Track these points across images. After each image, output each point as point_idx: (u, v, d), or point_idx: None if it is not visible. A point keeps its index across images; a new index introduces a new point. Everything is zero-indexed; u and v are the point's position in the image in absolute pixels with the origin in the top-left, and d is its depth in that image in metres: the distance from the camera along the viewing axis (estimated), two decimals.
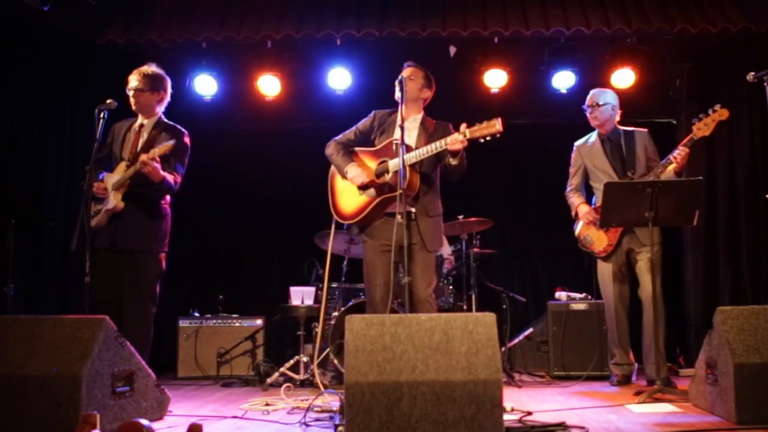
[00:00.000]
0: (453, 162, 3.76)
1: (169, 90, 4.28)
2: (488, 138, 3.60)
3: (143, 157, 3.91)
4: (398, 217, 3.56)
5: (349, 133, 4.11)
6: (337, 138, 4.11)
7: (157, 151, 3.93)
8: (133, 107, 4.16)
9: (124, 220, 4.01)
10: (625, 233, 4.52)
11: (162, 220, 4.16)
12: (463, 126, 3.67)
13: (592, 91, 4.70)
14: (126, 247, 4.02)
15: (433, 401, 2.60)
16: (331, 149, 4.07)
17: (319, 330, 4.27)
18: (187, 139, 4.23)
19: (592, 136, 4.72)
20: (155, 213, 4.13)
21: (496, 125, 3.57)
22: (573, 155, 4.80)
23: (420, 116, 4.03)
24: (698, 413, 3.38)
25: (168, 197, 4.21)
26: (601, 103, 4.60)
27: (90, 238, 3.74)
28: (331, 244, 4.18)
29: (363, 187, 3.93)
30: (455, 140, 3.65)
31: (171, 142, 3.94)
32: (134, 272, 4.02)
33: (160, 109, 4.24)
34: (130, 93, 4.14)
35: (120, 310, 3.93)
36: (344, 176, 3.98)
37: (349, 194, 3.99)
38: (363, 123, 4.12)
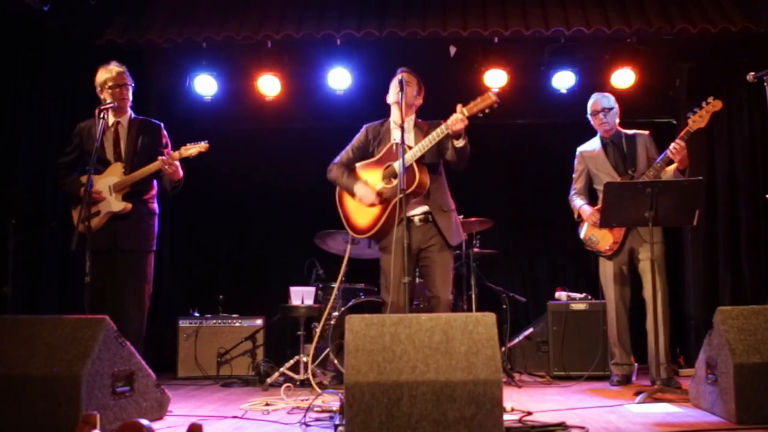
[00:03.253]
0: (458, 144, 3.75)
1: None
2: (487, 111, 3.63)
3: (168, 158, 4.03)
4: (416, 220, 3.58)
5: (346, 153, 4.11)
6: (336, 161, 4.11)
7: (185, 152, 4.06)
8: (116, 104, 4.12)
9: (125, 221, 4.07)
10: (630, 231, 4.52)
11: (155, 219, 4.27)
12: (459, 106, 3.68)
13: (595, 97, 4.69)
14: (128, 247, 4.09)
15: (433, 401, 2.60)
16: (334, 173, 4.07)
17: (317, 332, 4.26)
18: (165, 132, 4.34)
19: (595, 141, 4.73)
20: (150, 212, 4.24)
21: (491, 96, 3.61)
22: (576, 160, 4.80)
23: (413, 119, 4.04)
24: (698, 413, 3.38)
25: (155, 196, 4.29)
26: (608, 107, 4.61)
27: (89, 238, 3.75)
28: (348, 256, 4.19)
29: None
30: (456, 120, 3.66)
31: (205, 143, 4.07)
32: (134, 271, 4.11)
33: (130, 104, 4.30)
34: (116, 90, 4.15)
35: (118, 310, 3.97)
36: (353, 196, 3.98)
37: (360, 209, 3.98)
38: (357, 139, 4.12)
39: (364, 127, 4.13)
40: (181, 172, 4.14)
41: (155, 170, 4.08)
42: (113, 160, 4.15)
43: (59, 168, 4.27)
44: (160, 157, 4.07)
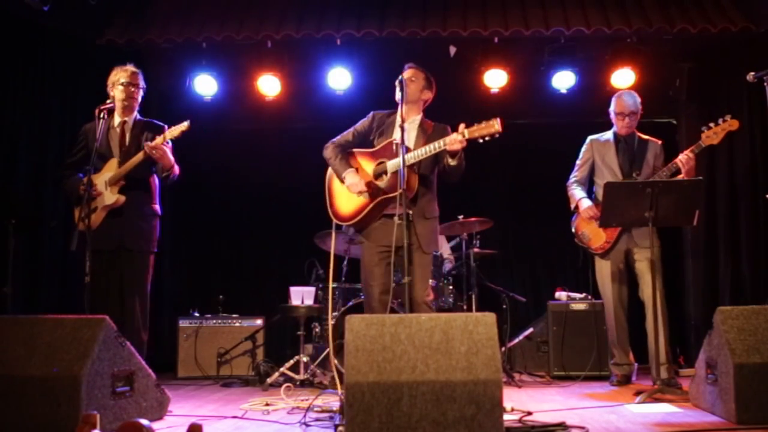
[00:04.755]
0: (452, 163, 3.74)
1: None
2: (487, 138, 3.58)
3: (153, 142, 4.02)
4: (396, 218, 3.53)
5: (347, 135, 4.08)
6: (334, 140, 4.08)
7: (168, 134, 4.03)
8: (124, 102, 4.18)
9: (128, 220, 4.09)
10: (623, 232, 4.51)
11: (157, 221, 4.28)
12: (461, 126, 3.64)
13: (623, 99, 4.60)
14: (133, 247, 4.12)
15: (433, 401, 2.59)
16: (329, 152, 4.05)
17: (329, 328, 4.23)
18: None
19: (608, 134, 4.70)
20: (152, 213, 4.26)
21: (495, 125, 3.54)
22: (584, 147, 4.76)
23: (419, 118, 4.02)
24: (698, 413, 3.38)
25: (158, 199, 4.31)
26: (636, 111, 4.57)
27: (89, 238, 3.75)
28: (333, 246, 4.17)
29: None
30: (454, 140, 3.63)
31: (186, 123, 4.01)
32: (138, 271, 4.13)
33: (138, 107, 4.33)
34: (128, 88, 4.19)
35: (120, 309, 3.98)
36: (342, 182, 3.97)
37: (347, 196, 3.97)
38: (362, 124, 4.10)
39: (372, 113, 4.09)
40: (171, 158, 4.12)
41: (143, 158, 4.06)
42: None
43: (65, 168, 4.28)
44: (145, 143, 4.07)
